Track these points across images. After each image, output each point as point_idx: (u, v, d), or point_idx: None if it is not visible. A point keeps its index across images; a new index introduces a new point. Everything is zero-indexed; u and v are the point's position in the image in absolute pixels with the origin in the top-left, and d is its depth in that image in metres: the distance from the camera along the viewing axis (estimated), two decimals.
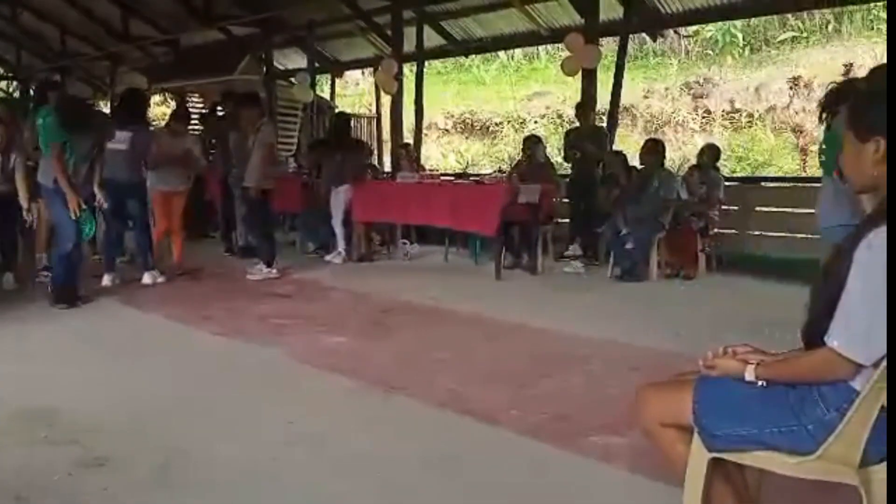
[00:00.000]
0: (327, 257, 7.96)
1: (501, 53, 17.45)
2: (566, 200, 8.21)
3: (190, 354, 4.46)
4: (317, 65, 12.46)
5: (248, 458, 2.88)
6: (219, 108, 9.91)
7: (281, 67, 13.36)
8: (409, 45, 10.56)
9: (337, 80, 14.43)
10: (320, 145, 8.82)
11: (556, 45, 11.67)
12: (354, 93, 19.13)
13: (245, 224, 7.93)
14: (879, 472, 1.71)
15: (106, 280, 6.40)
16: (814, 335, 1.69)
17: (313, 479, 2.71)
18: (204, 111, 11.23)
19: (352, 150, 8.19)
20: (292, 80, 12.48)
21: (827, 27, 15.22)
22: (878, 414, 1.64)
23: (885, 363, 1.59)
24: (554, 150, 9.06)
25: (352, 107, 16.56)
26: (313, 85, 11.72)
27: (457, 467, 2.81)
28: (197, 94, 13.55)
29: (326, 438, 3.08)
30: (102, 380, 3.90)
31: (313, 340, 4.70)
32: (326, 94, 13.89)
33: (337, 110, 12.55)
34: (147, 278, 6.52)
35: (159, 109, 18.45)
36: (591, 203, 7.77)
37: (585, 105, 8.12)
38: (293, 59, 13.38)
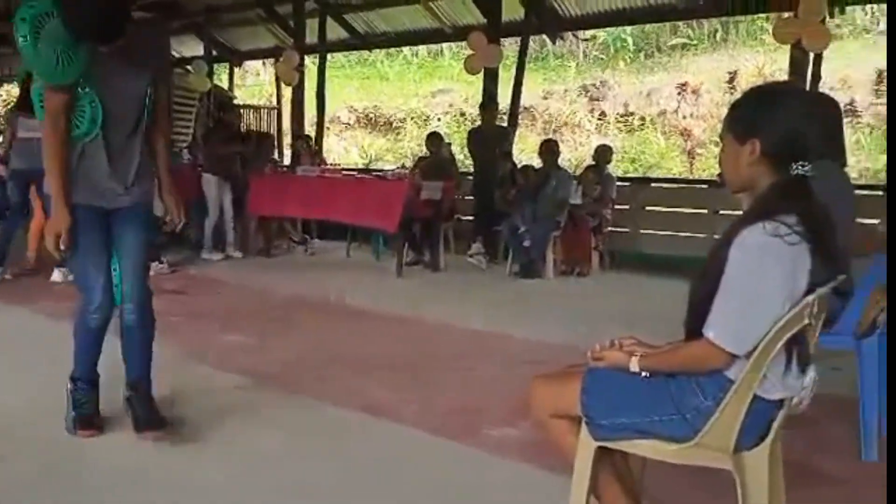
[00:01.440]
0: (205, 255, 7.61)
1: (405, 49, 17.47)
2: (470, 198, 8.31)
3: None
4: (214, 53, 12.09)
5: (134, 458, 2.77)
6: None
7: (176, 55, 12.88)
8: (311, 37, 10.41)
9: (236, 70, 14.05)
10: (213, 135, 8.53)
11: (460, 42, 11.76)
12: (255, 83, 18.68)
13: None
14: (751, 457, 1.82)
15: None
16: (693, 327, 1.78)
17: (209, 481, 2.63)
18: None
19: (247, 142, 8.00)
20: (188, 67, 12.06)
21: (715, 36, 16.03)
22: (751, 402, 1.74)
23: (756, 354, 1.70)
24: (456, 148, 9.15)
25: (252, 98, 16.17)
26: (211, 74, 11.37)
27: (351, 464, 2.79)
28: None
29: (224, 440, 2.99)
30: None
31: (207, 338, 4.56)
32: (225, 84, 13.49)
33: (235, 100, 12.24)
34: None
35: None
36: (491, 201, 7.89)
37: (489, 104, 8.24)
38: (190, 47, 12.91)
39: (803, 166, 1.73)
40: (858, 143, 12.26)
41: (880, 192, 4.73)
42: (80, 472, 2.68)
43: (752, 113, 1.78)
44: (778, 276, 1.67)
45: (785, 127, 1.74)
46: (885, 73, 12.69)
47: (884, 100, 12.93)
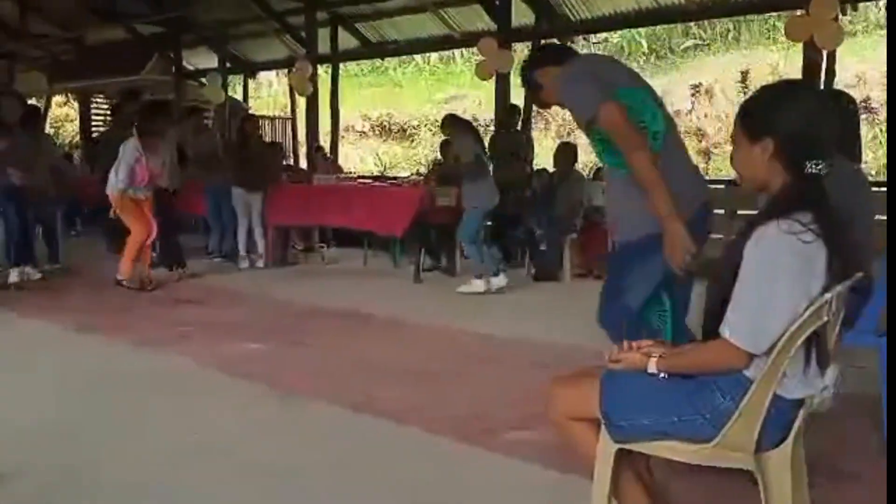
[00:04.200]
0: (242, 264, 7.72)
1: (417, 56, 17.52)
2: None
3: (90, 362, 4.28)
4: (229, 65, 12.20)
5: (153, 467, 2.80)
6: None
7: (191, 67, 13.01)
8: (323, 47, 10.48)
9: (250, 82, 14.16)
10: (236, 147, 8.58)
11: (472, 48, 11.79)
12: (269, 94, 18.81)
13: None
14: (773, 457, 1.80)
15: None
16: (711, 327, 1.77)
17: (219, 489, 2.64)
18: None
19: (264, 153, 8.04)
20: (203, 80, 12.18)
21: (727, 35, 15.95)
22: (771, 402, 1.73)
23: (775, 353, 1.69)
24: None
25: (266, 108, 16.28)
26: (225, 86, 11.47)
27: (368, 470, 2.80)
28: (102, 95, 13.04)
29: (236, 446, 3.01)
30: None
31: (226, 347, 4.59)
32: (239, 96, 13.61)
33: (249, 111, 12.33)
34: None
35: (62, 111, 17.67)
36: (507, 205, 7.90)
37: (509, 109, 8.31)
38: (204, 59, 13.04)
39: (818, 165, 1.71)
40: (875, 139, 12.13)
41: None
42: (98, 484, 2.69)
43: (764, 112, 1.77)
44: (793, 273, 1.66)
45: (798, 125, 1.73)
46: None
47: None
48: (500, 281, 6.31)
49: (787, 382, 1.73)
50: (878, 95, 12.96)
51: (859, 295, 2.62)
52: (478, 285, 6.29)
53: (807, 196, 1.70)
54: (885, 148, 12.14)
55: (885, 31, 14.20)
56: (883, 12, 14.11)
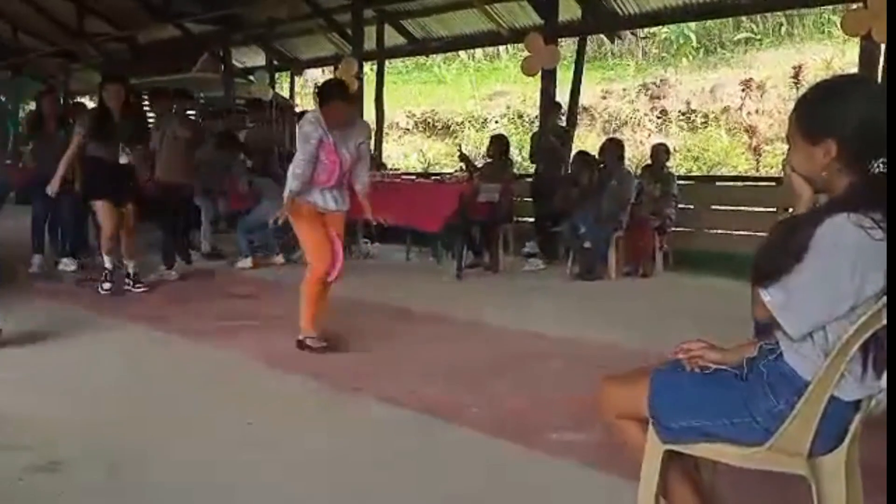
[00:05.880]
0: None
1: (462, 53, 17.51)
2: (529, 199, 8.29)
3: (144, 354, 4.39)
4: (276, 63, 12.35)
5: (204, 459, 2.85)
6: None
7: (239, 65, 13.21)
8: (369, 44, 10.54)
9: (297, 79, 14.32)
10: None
11: (517, 44, 11.73)
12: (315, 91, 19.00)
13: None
14: (827, 462, 1.76)
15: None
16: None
17: (269, 479, 2.68)
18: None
19: None
20: (251, 77, 12.35)
21: (780, 30, 15.59)
22: (826, 405, 1.68)
23: (834, 353, 1.64)
24: (513, 150, 9.17)
25: (312, 106, 16.42)
26: (273, 83, 11.61)
27: (413, 467, 2.81)
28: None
29: (285, 439, 3.06)
30: (50, 381, 3.81)
31: (273, 341, 4.65)
32: (286, 93, 13.77)
33: (298, 109, 12.45)
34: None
35: None
36: (552, 202, 7.86)
37: (551, 106, 8.27)
38: (252, 57, 13.25)
39: (885, 163, 1.63)
40: None
41: None
42: (145, 470, 2.76)
43: (823, 112, 1.68)
44: (853, 267, 1.58)
45: (860, 125, 1.64)
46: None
47: None
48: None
49: (845, 384, 1.68)
50: None
51: None
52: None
53: (875, 193, 1.62)
54: None
55: None
56: None
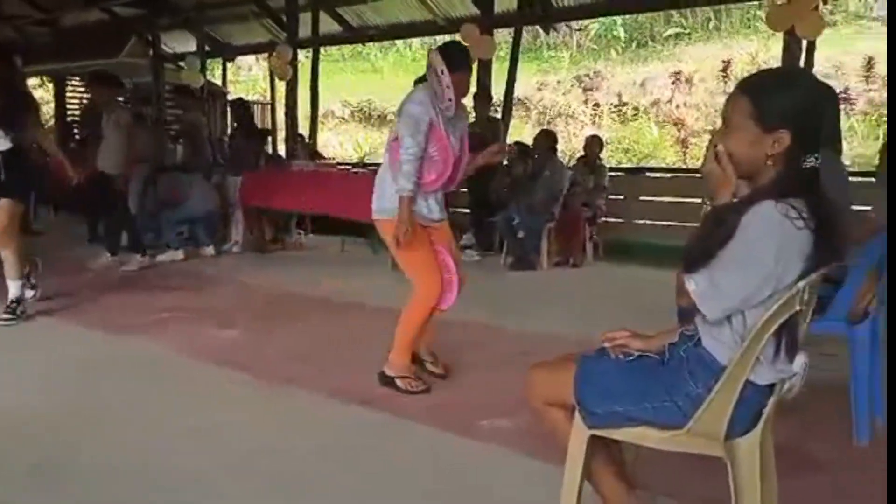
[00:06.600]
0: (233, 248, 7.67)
1: (399, 42, 17.42)
2: (464, 190, 8.30)
3: (67, 351, 4.23)
4: (208, 49, 12.05)
5: (137, 455, 2.78)
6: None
7: (169, 50, 12.84)
8: (304, 31, 10.38)
9: (229, 66, 14.01)
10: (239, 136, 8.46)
11: (453, 34, 11.73)
12: (247, 78, 18.62)
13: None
14: (742, 444, 1.83)
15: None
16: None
17: (202, 476, 2.64)
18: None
19: (254, 138, 8.00)
20: (181, 64, 12.02)
21: (708, 24, 16.02)
22: (742, 389, 1.75)
23: (748, 340, 1.70)
24: None
25: (245, 93, 16.10)
26: (204, 70, 11.33)
27: (352, 457, 2.81)
28: (77, 78, 12.85)
29: (218, 434, 3.01)
30: None
31: (203, 334, 4.56)
32: (218, 80, 13.46)
33: (230, 96, 12.20)
34: None
35: (36, 94, 17.36)
36: (487, 192, 7.90)
37: (483, 96, 8.24)
38: (182, 43, 12.87)
39: (816, 158, 1.70)
40: (852, 129, 12.26)
41: (873, 179, 4.72)
42: (74, 467, 2.69)
43: (781, 101, 1.70)
44: (776, 252, 1.64)
45: (815, 118, 1.72)
46: (874, 61, 12.71)
47: (873, 86, 12.95)
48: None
49: (759, 368, 1.75)
50: (856, 86, 13.09)
51: (831, 284, 2.66)
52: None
53: (802, 184, 1.69)
54: (860, 139, 12.28)
55: (863, 22, 14.34)
56: (862, 2, 14.26)
